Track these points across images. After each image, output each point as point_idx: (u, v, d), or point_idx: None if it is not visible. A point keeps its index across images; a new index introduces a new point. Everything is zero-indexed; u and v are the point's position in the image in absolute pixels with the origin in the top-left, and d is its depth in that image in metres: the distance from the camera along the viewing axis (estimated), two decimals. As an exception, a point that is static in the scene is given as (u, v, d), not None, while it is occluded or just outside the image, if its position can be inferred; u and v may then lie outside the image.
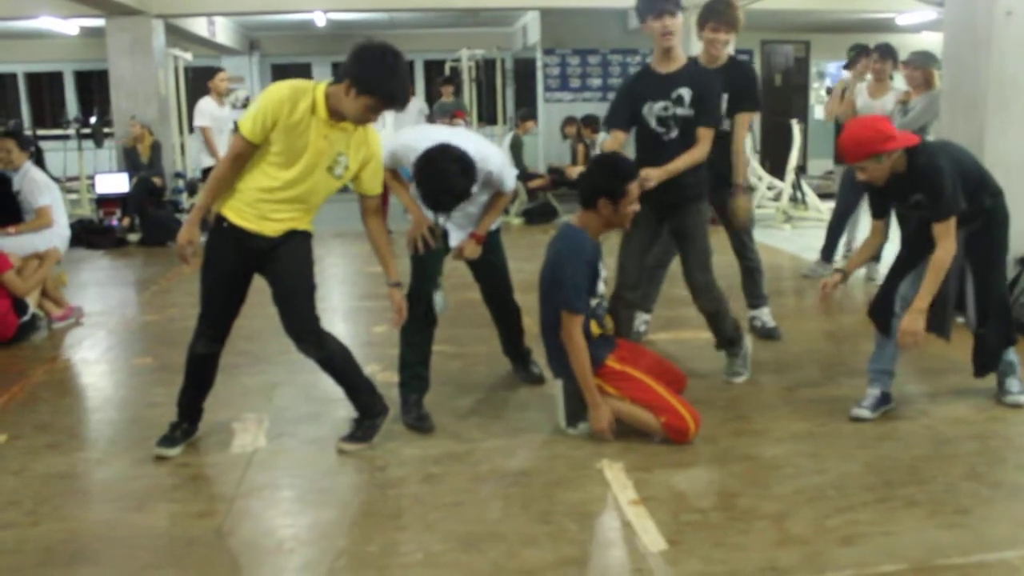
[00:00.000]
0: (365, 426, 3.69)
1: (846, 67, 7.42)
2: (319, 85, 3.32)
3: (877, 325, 3.96)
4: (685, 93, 4.09)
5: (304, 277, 3.59)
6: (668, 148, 4.08)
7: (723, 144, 4.72)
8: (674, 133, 4.10)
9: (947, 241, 3.63)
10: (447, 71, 13.73)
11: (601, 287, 3.79)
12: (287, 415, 4.07)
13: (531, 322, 5.63)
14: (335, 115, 3.30)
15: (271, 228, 3.45)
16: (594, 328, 3.70)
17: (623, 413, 3.64)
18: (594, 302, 3.73)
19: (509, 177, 4.07)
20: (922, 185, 3.66)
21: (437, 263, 4.03)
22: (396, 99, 3.25)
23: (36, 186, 6.23)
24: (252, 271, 3.54)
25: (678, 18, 4.04)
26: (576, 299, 3.58)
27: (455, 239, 4.12)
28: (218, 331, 3.59)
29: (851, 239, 7.08)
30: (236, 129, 3.39)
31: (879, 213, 4.02)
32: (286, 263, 3.52)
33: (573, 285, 3.58)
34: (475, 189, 3.84)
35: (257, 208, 3.42)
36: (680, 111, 4.09)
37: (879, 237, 4.12)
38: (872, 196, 3.99)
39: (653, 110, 4.12)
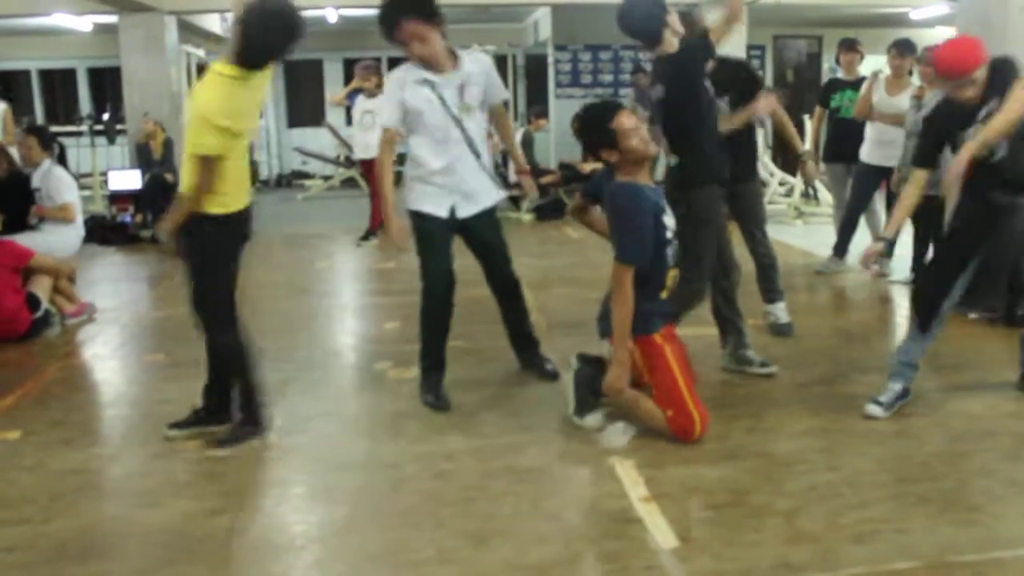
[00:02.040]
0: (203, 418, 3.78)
1: (837, 61, 7.43)
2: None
3: (919, 320, 3.93)
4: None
5: None
6: None
7: (732, 143, 4.73)
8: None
9: None
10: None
11: (668, 232, 3.62)
12: (298, 412, 4.08)
13: (541, 319, 5.64)
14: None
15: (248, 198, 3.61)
16: (671, 280, 3.66)
17: (630, 402, 3.64)
18: (669, 251, 3.62)
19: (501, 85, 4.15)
20: (1000, 79, 3.62)
21: (448, 238, 4.02)
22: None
23: (62, 183, 6.31)
24: None
25: None
26: (635, 249, 3.48)
27: (464, 211, 4.01)
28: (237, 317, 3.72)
29: (875, 238, 7.01)
30: None
31: (929, 161, 3.96)
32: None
33: (634, 235, 3.48)
34: (478, 101, 3.96)
35: (235, 184, 3.51)
36: None
37: (919, 190, 3.98)
38: (929, 138, 3.96)
39: None
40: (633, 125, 3.53)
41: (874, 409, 3.83)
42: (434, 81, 3.89)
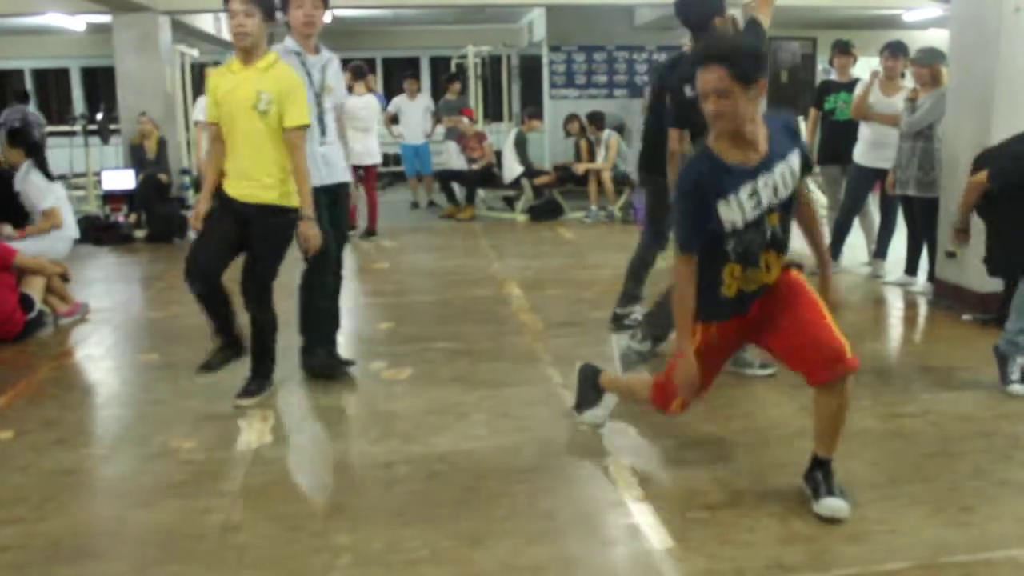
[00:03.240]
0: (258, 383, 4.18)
1: (830, 63, 7.47)
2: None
3: None
4: None
5: None
6: None
7: None
8: None
9: None
10: (453, 68, 13.73)
11: (737, 215, 2.91)
12: (292, 411, 4.07)
13: (535, 319, 5.65)
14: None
15: None
16: (728, 278, 3.01)
17: (618, 386, 3.63)
18: (731, 243, 2.96)
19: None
20: None
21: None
22: None
23: (38, 190, 6.16)
24: None
25: None
26: (679, 235, 2.99)
27: (329, 178, 4.34)
28: None
29: (870, 240, 7.02)
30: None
31: None
32: None
33: (674, 221, 3.04)
34: (336, 83, 4.38)
35: None
36: None
37: None
38: None
39: None
40: (709, 89, 2.83)
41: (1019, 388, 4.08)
42: (304, 57, 4.28)
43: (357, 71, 8.92)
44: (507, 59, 14.50)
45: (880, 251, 6.84)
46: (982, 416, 3.86)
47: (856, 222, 6.93)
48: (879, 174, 6.47)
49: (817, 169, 7.48)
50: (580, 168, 10.61)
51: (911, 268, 6.43)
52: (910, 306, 6.01)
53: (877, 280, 6.67)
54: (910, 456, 3.45)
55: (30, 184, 6.21)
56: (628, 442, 3.59)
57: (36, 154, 6.43)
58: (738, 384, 4.31)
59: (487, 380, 4.46)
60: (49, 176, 6.41)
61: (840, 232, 6.93)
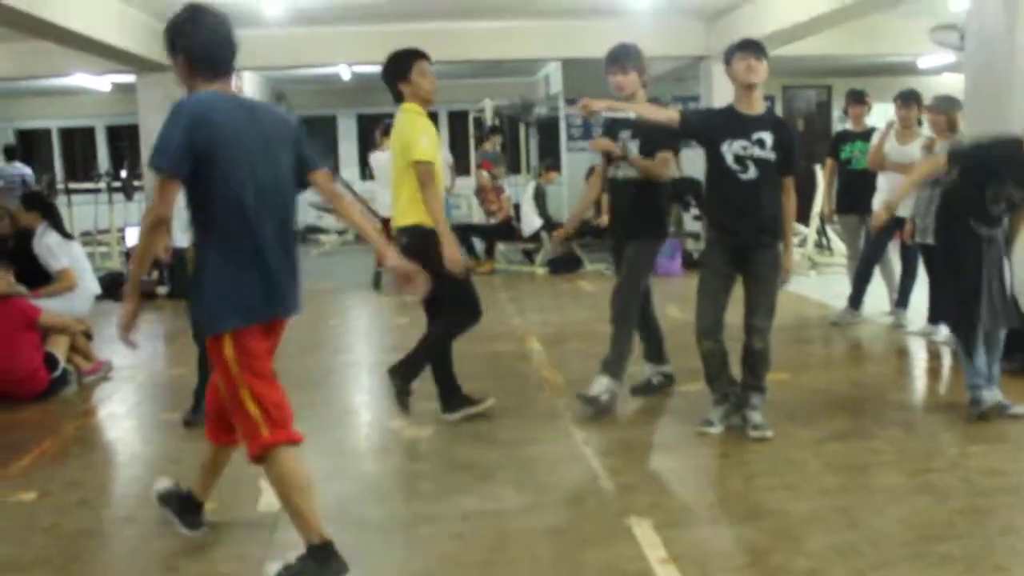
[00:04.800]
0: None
1: (845, 113, 7.50)
2: None
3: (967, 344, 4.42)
4: (767, 137, 4.20)
5: None
6: (745, 187, 4.20)
7: (635, 194, 4.82)
8: (751, 173, 4.19)
9: None
10: (471, 122, 13.89)
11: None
12: (314, 472, 4.04)
13: (557, 375, 5.61)
14: None
15: None
16: None
17: None
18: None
19: None
20: None
21: None
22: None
23: (50, 251, 6.14)
24: None
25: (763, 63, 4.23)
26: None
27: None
28: None
29: (892, 290, 6.97)
30: None
31: None
32: None
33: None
34: None
35: None
36: (759, 153, 4.19)
37: None
38: None
39: (732, 148, 4.21)
40: None
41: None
42: None
43: (387, 129, 9.08)
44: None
45: (902, 301, 6.80)
46: (1011, 470, 3.80)
47: (877, 271, 6.90)
48: (898, 223, 6.45)
49: (836, 218, 7.48)
50: (604, 220, 10.62)
51: (934, 318, 6.38)
52: (933, 356, 5.95)
53: (899, 330, 6.62)
54: (940, 512, 3.39)
55: (43, 246, 6.24)
56: (651, 500, 3.55)
57: (51, 216, 6.45)
58: (760, 441, 4.26)
59: (509, 438, 4.43)
60: (66, 235, 6.44)
61: (861, 281, 6.90)
